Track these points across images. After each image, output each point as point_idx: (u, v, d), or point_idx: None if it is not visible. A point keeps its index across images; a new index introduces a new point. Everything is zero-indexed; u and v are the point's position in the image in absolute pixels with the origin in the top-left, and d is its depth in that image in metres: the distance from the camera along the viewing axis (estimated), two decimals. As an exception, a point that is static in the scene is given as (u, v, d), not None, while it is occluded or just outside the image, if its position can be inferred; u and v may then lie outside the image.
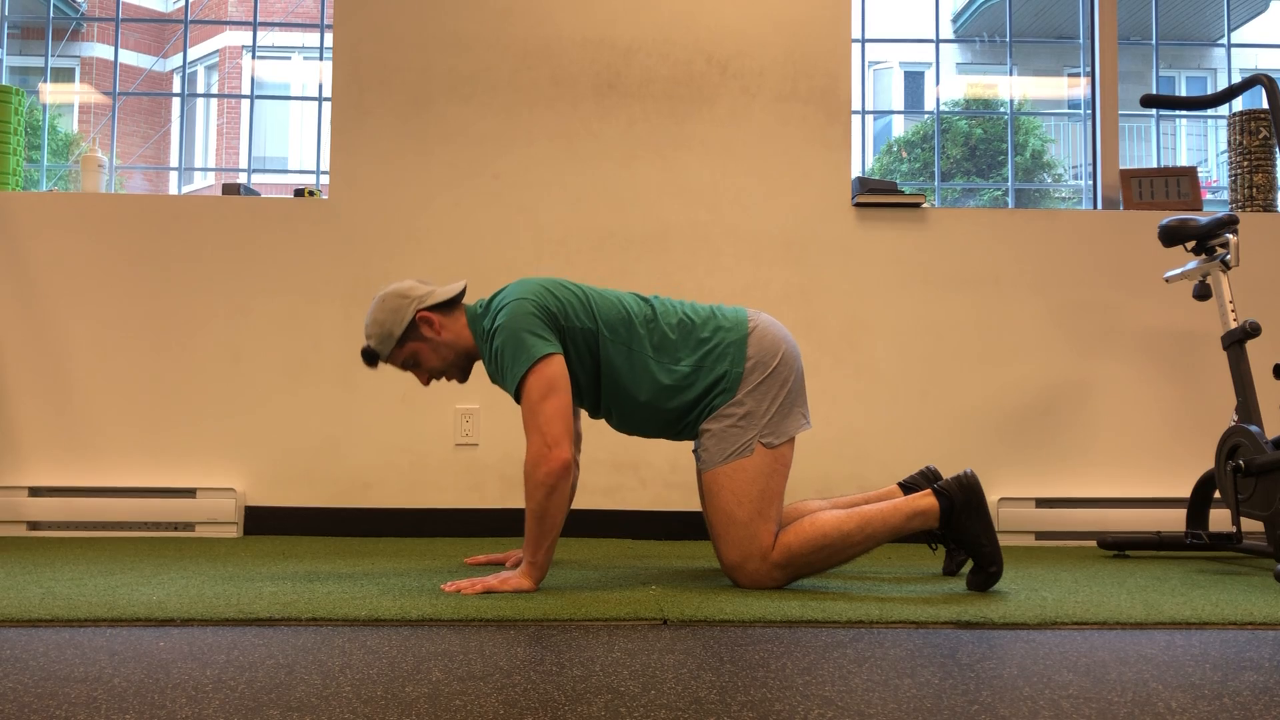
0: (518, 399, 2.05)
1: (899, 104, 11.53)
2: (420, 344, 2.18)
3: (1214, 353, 3.20)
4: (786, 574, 2.10)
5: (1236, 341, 2.62)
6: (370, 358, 2.22)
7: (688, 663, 1.43)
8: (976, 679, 1.35)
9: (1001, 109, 10.22)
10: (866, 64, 3.76)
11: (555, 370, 2.02)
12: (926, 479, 2.33)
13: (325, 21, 3.61)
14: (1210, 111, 4.60)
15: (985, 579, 2.07)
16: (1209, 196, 8.08)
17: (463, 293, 2.22)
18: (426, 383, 2.25)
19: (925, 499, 2.10)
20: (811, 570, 2.11)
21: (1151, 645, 1.59)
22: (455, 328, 2.19)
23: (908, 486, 2.34)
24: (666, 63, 3.20)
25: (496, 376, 2.12)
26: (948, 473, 3.00)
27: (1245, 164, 3.31)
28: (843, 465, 3.12)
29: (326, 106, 3.62)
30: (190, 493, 3.04)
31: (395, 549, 2.75)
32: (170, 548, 2.74)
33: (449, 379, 2.26)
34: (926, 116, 11.19)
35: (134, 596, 1.90)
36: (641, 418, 2.19)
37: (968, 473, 2.09)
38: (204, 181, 11.27)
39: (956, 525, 2.07)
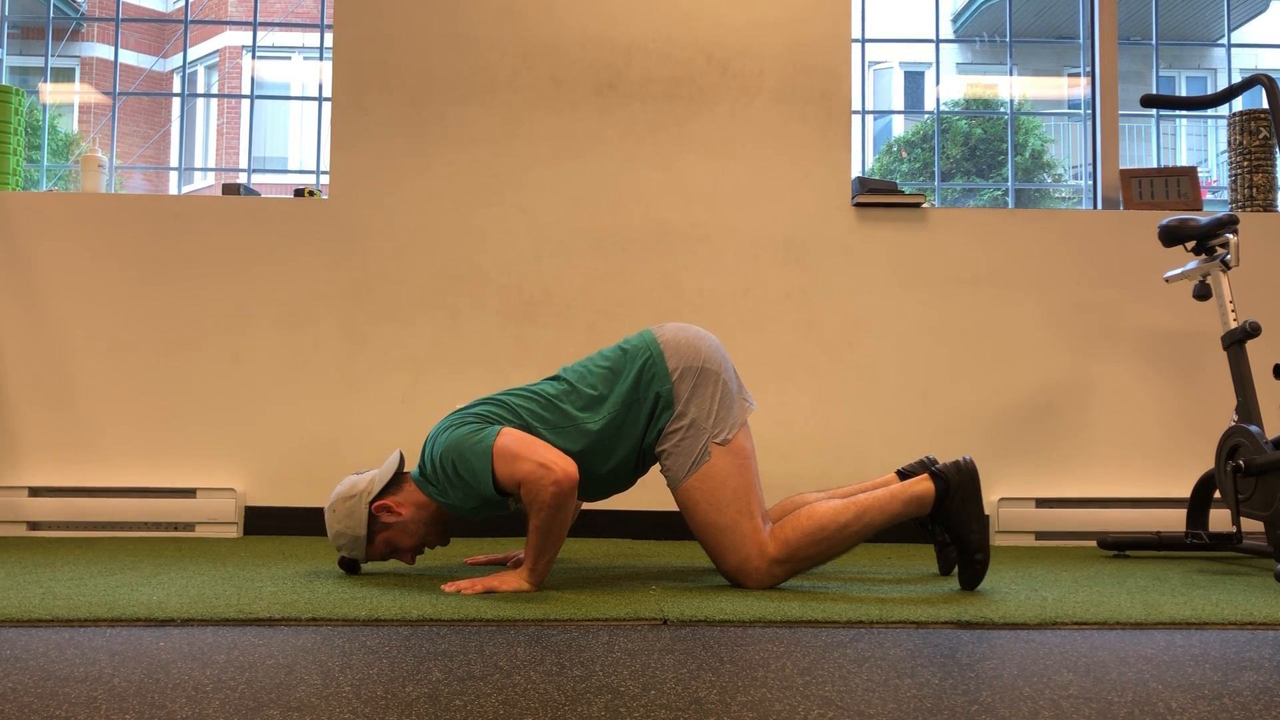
0: (496, 485, 2.01)
1: (899, 104, 11.53)
2: (388, 532, 2.17)
3: (1214, 353, 3.20)
4: (787, 569, 2.10)
5: (1236, 341, 2.62)
6: (350, 566, 2.24)
7: (688, 663, 1.43)
8: (976, 679, 1.35)
9: (1001, 109, 10.22)
10: (866, 64, 3.76)
11: (515, 433, 2.03)
12: (924, 466, 2.32)
13: (325, 21, 3.61)
14: (1210, 111, 4.60)
15: (973, 573, 2.07)
16: (1209, 196, 8.08)
17: (401, 463, 2.20)
18: (412, 560, 2.23)
19: (922, 483, 2.10)
20: (812, 563, 2.11)
21: (1151, 645, 1.59)
22: (411, 500, 2.16)
23: (905, 474, 2.32)
24: (666, 63, 3.20)
25: (469, 496, 2.06)
26: None
27: (1245, 164, 3.31)
28: (843, 465, 3.12)
29: (326, 106, 3.62)
30: (190, 493, 3.04)
31: (395, 549, 2.75)
32: (170, 548, 2.74)
33: (431, 547, 2.23)
34: (926, 116, 11.19)
35: (134, 596, 1.90)
36: (609, 482, 2.19)
37: (966, 459, 2.09)
38: (204, 181, 11.27)
39: (949, 509, 2.07)
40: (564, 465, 1.96)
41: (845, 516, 2.08)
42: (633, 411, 2.13)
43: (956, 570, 2.36)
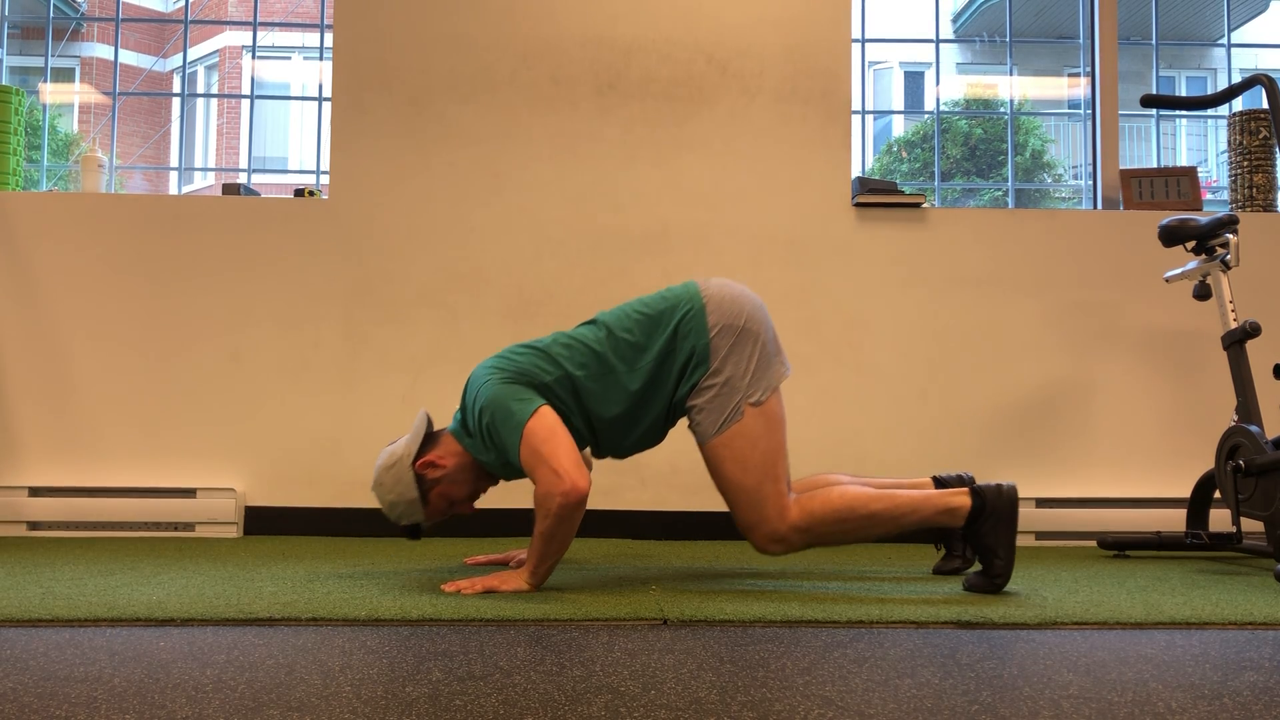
0: (519, 461, 2.02)
1: (899, 104, 11.53)
2: (439, 487, 2.18)
3: (1214, 353, 3.20)
4: (805, 538, 2.09)
5: (1236, 341, 2.62)
6: (413, 532, 2.26)
7: (688, 663, 1.43)
8: (976, 679, 1.35)
9: (1001, 109, 10.22)
10: (866, 64, 3.76)
11: (549, 418, 2.02)
12: (962, 481, 2.30)
13: (325, 21, 3.61)
14: (1210, 111, 4.60)
15: (987, 585, 2.07)
16: (1209, 196, 8.08)
17: (429, 421, 2.22)
18: (471, 509, 2.25)
19: (959, 496, 2.08)
20: (830, 540, 2.10)
21: (1151, 645, 1.59)
22: (451, 451, 2.18)
23: (941, 483, 2.32)
24: (666, 63, 3.20)
25: (499, 460, 2.10)
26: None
27: (1245, 164, 3.31)
28: (843, 465, 3.12)
29: (326, 106, 3.62)
30: (190, 493, 3.04)
31: (395, 549, 2.75)
32: (170, 548, 2.74)
33: (485, 489, 2.24)
34: (926, 116, 11.19)
35: (134, 596, 1.90)
36: (640, 436, 2.18)
37: (1009, 485, 2.07)
38: (204, 181, 11.27)
39: (980, 529, 2.06)
40: (575, 478, 1.95)
41: (876, 506, 2.07)
42: (667, 363, 2.11)
43: (961, 570, 2.37)
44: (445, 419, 3.10)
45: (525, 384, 2.07)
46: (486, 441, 2.10)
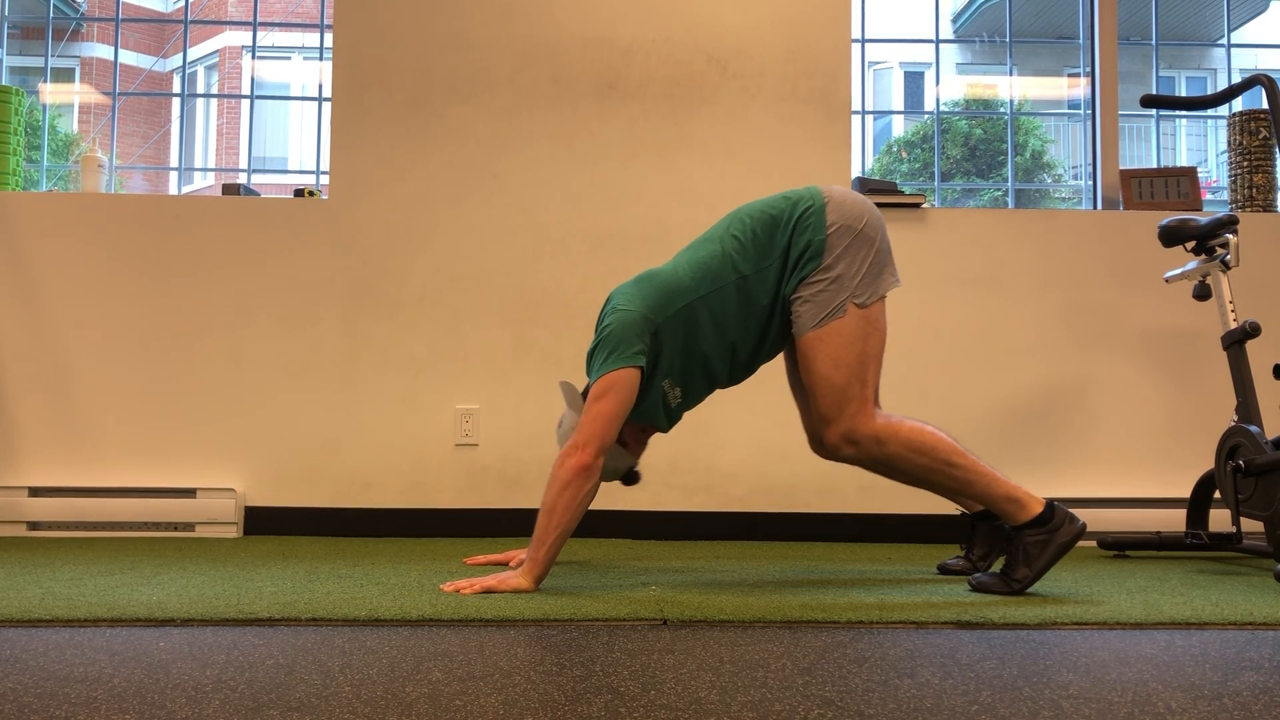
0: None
1: (899, 104, 11.53)
2: (625, 428, 2.25)
3: (1214, 353, 3.20)
4: (879, 451, 2.08)
5: (1236, 341, 2.62)
6: (632, 477, 2.36)
7: (688, 663, 1.43)
8: (976, 679, 1.35)
9: (1001, 109, 10.22)
10: (866, 64, 3.76)
11: (623, 380, 2.06)
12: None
13: (325, 21, 3.61)
14: (1210, 111, 4.59)
15: (1001, 586, 2.06)
16: (1209, 196, 8.07)
17: (574, 389, 2.28)
18: (665, 427, 2.25)
19: (1033, 498, 2.07)
20: (898, 468, 2.09)
21: (1151, 645, 1.59)
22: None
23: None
24: (666, 63, 3.20)
25: (590, 362, 2.17)
26: None
27: (1245, 164, 3.31)
28: (842, 465, 3.12)
29: (326, 106, 3.62)
30: (190, 493, 3.04)
31: (395, 549, 2.75)
32: (170, 548, 2.74)
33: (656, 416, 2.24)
34: (926, 116, 11.19)
35: (134, 596, 1.90)
36: (766, 345, 2.19)
37: (1083, 523, 2.06)
38: (204, 181, 11.27)
39: (1033, 537, 2.04)
40: (592, 452, 2.02)
41: (958, 459, 2.07)
42: (786, 257, 2.12)
43: (955, 570, 2.37)
44: (445, 409, 3.10)
45: (646, 330, 2.08)
46: (595, 343, 2.15)
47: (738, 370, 2.20)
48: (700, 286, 2.12)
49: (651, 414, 2.19)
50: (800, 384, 2.29)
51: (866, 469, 2.15)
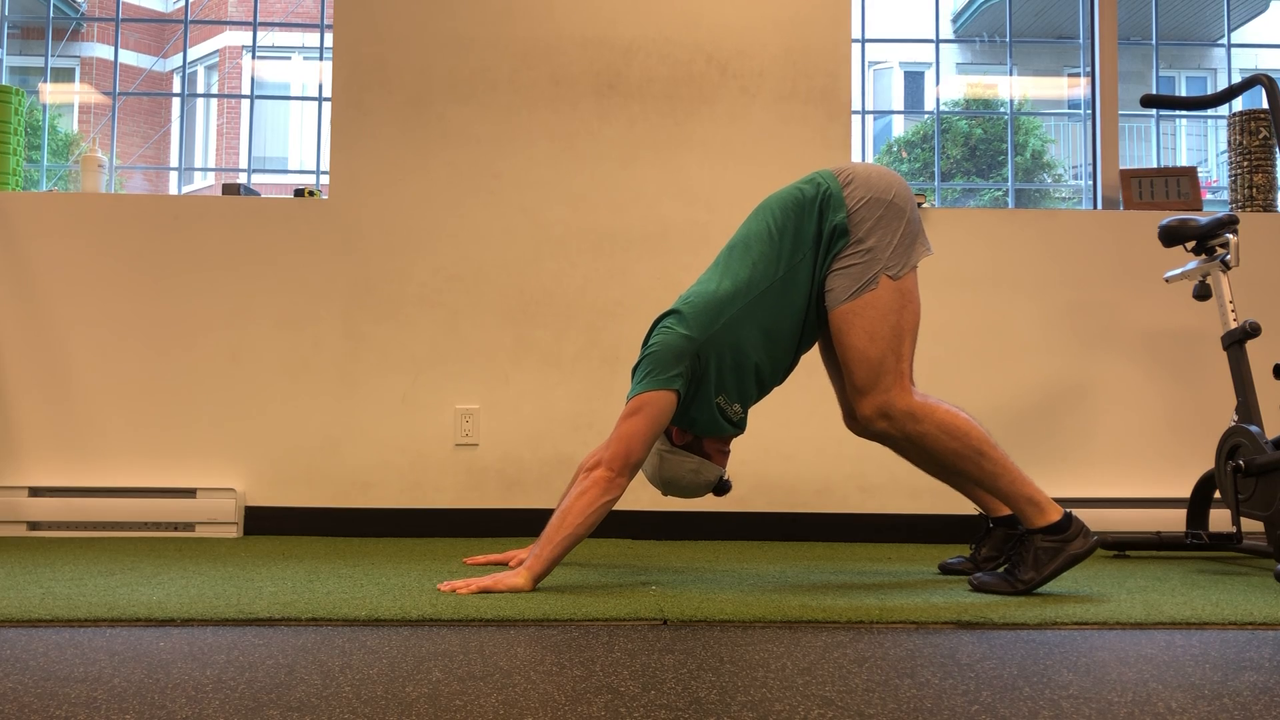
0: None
1: (899, 104, 11.53)
2: (705, 442, 2.22)
3: (1214, 353, 3.20)
4: (913, 428, 2.07)
5: (1236, 341, 2.62)
6: (724, 487, 2.29)
7: (688, 663, 1.43)
8: (976, 679, 1.35)
9: (1001, 109, 10.22)
10: (866, 64, 3.76)
11: (656, 401, 2.06)
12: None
13: (325, 21, 3.61)
14: (1210, 111, 4.59)
15: (1004, 585, 2.06)
16: (1209, 196, 8.07)
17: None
18: (739, 428, 2.23)
19: (1052, 504, 2.06)
20: (928, 449, 2.07)
21: (1151, 645, 1.59)
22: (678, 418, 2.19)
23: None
24: (666, 63, 3.20)
25: (632, 375, 2.17)
26: None
27: (1245, 164, 3.31)
28: (842, 465, 3.12)
29: (326, 106, 3.62)
30: (190, 493, 3.04)
31: (395, 549, 2.75)
32: (170, 548, 2.74)
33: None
34: (926, 116, 11.19)
35: (134, 596, 1.90)
36: (805, 335, 2.17)
37: (1099, 538, 2.05)
38: (204, 181, 11.27)
39: (1045, 543, 2.04)
40: (617, 467, 2.03)
41: (989, 451, 2.06)
42: (811, 247, 2.12)
43: (958, 570, 2.37)
44: (445, 409, 3.10)
45: (684, 350, 2.07)
46: (642, 355, 2.15)
47: (788, 369, 2.21)
48: (738, 298, 2.11)
49: (714, 428, 2.17)
50: (834, 359, 2.28)
51: (895, 449, 2.15)
